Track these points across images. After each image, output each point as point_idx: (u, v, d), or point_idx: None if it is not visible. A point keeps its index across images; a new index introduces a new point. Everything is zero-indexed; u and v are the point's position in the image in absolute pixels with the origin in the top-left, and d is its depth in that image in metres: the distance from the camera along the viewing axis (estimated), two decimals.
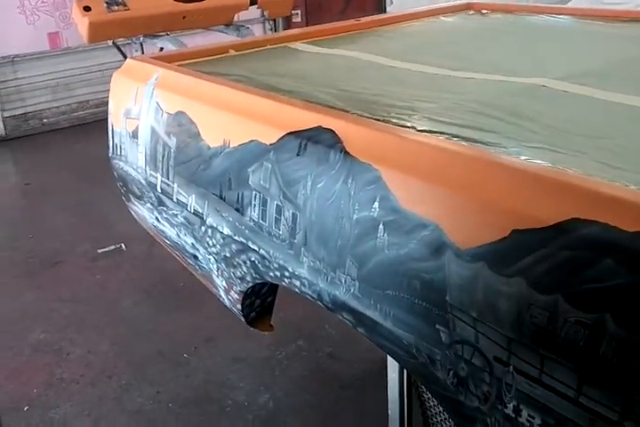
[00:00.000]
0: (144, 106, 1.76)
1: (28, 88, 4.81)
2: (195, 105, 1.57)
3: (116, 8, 3.49)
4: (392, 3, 5.94)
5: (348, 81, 1.58)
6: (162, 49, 3.78)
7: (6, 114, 4.78)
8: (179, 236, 1.74)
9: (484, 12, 2.49)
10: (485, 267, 0.86)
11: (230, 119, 1.44)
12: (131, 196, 1.98)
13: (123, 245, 3.10)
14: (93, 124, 4.94)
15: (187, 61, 1.94)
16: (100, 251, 3.08)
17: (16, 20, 4.59)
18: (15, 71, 4.73)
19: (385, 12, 5.97)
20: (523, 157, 1.00)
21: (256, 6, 3.74)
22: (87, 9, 3.41)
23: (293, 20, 4.80)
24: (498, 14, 2.46)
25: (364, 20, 2.27)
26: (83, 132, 4.88)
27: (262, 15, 4.93)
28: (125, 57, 4.07)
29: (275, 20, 5.07)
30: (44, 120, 4.94)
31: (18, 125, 4.85)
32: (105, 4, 3.46)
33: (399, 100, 1.36)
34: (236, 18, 4.00)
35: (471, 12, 2.52)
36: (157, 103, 1.71)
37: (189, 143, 1.56)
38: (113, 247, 3.10)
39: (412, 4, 5.83)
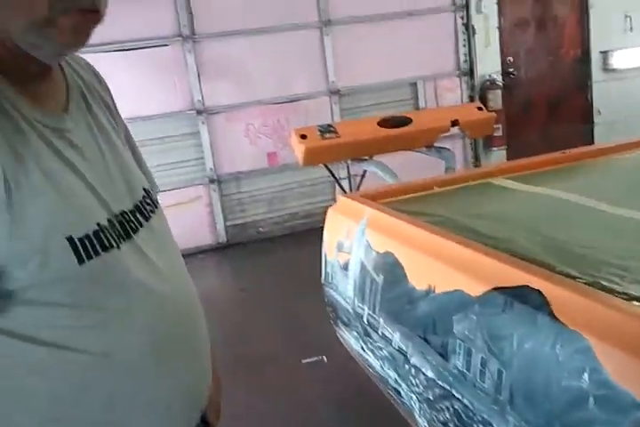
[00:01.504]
0: (355, 242, 1.93)
1: (248, 200, 5.38)
2: (401, 247, 1.69)
3: (328, 135, 3.86)
4: (600, 113, 5.82)
5: (554, 227, 1.61)
6: (365, 172, 4.08)
7: (228, 223, 5.35)
8: (382, 368, 1.82)
9: None
10: None
11: (435, 265, 1.53)
12: (339, 322, 2.12)
13: (324, 358, 3.25)
14: (302, 234, 5.34)
15: (393, 198, 2.10)
16: (303, 361, 3.26)
17: (241, 142, 5.23)
18: (238, 186, 5.33)
19: (592, 123, 5.86)
20: None
21: (457, 128, 3.91)
22: (304, 137, 3.81)
23: (494, 135, 4.90)
24: None
25: (570, 151, 2.29)
26: (293, 241, 5.30)
27: (470, 141, 5.13)
28: (335, 176, 4.45)
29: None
30: (260, 229, 5.45)
31: (237, 234, 5.39)
32: (318, 132, 3.85)
33: (611, 256, 1.35)
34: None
35: None
36: (367, 242, 1.86)
37: (396, 283, 1.67)
38: (315, 359, 3.26)
39: (623, 112, 5.71)
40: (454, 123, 3.89)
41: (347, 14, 5.07)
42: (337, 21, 5.07)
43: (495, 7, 5.36)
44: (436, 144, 3.98)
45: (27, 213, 0.72)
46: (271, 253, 5.17)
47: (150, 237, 0.89)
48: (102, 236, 0.79)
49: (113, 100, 1.01)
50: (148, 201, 0.93)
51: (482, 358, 1.31)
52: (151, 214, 0.92)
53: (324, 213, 5.98)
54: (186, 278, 0.97)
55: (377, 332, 1.79)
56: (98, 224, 0.79)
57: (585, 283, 1.23)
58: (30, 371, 0.75)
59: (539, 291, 1.20)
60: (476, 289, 1.35)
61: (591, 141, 5.85)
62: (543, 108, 5.72)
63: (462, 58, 5.44)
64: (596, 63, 5.73)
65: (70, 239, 0.75)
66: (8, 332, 0.73)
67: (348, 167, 4.90)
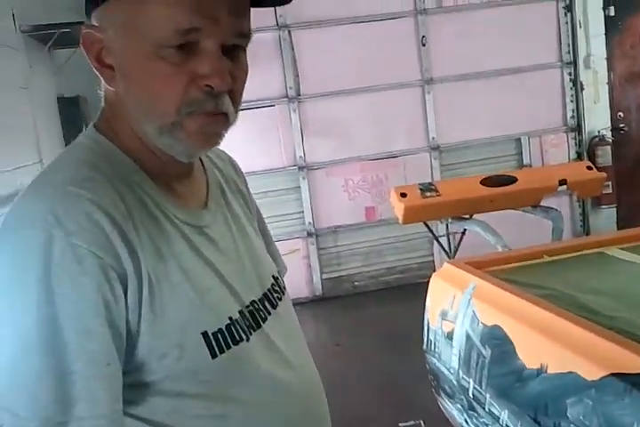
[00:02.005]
0: (460, 312, 1.90)
1: (345, 254, 5.42)
2: (511, 322, 1.65)
3: (428, 194, 3.86)
4: None
5: None
6: (465, 230, 4.03)
7: (324, 276, 5.40)
8: None
9: None
10: None
11: (548, 344, 1.48)
12: (441, 391, 2.07)
13: (422, 423, 3.16)
14: (397, 289, 5.30)
15: (500, 267, 2.06)
16: (401, 425, 3.18)
17: (340, 197, 5.32)
18: (335, 240, 5.39)
19: None
20: None
21: (565, 187, 3.80)
22: (404, 195, 3.82)
23: (603, 192, 4.71)
24: None
25: None
26: (388, 296, 5.26)
27: (577, 199, 4.97)
28: (434, 234, 4.42)
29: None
30: (355, 283, 5.45)
31: (333, 287, 5.42)
32: (419, 191, 3.85)
33: None
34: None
35: None
36: (474, 312, 1.83)
37: (505, 358, 1.63)
38: (412, 423, 3.18)
39: None
40: (562, 182, 3.79)
41: (449, 73, 5.12)
42: (439, 79, 5.13)
43: (604, 62, 5.25)
44: (542, 203, 3.88)
45: (167, 312, 0.77)
46: (366, 308, 5.14)
47: (278, 324, 0.93)
48: (233, 329, 0.83)
49: (248, 189, 1.07)
50: (276, 288, 0.97)
51: None
52: (278, 302, 0.96)
53: (420, 268, 5.93)
54: (310, 363, 0.99)
55: (483, 407, 1.73)
56: (230, 318, 0.83)
57: None
58: None
59: None
60: (591, 373, 1.29)
61: None
62: None
63: (570, 113, 5.33)
64: None
65: (205, 334, 0.79)
66: (144, 419, 0.78)
67: (447, 225, 4.86)
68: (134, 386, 0.77)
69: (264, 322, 0.89)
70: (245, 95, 0.89)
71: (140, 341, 0.76)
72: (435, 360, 2.07)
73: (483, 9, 5.12)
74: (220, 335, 0.81)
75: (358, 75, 5.00)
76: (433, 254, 5.25)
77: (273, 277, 0.98)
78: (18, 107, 3.73)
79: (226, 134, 0.86)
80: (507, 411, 1.60)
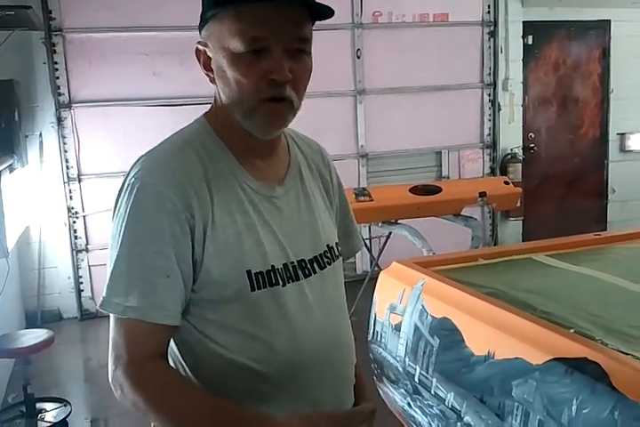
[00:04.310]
0: (410, 306, 2.11)
1: None
2: (460, 314, 1.87)
3: (362, 198, 4.09)
4: (614, 191, 6.11)
5: (597, 305, 1.80)
6: (390, 233, 4.29)
7: None
8: (430, 425, 1.97)
9: None
10: None
11: (495, 333, 1.71)
12: (384, 378, 2.28)
13: None
14: None
15: (443, 267, 2.30)
16: None
17: None
18: None
19: (607, 199, 6.13)
20: None
21: (484, 199, 4.15)
22: None
23: None
24: None
25: (603, 234, 2.51)
26: None
27: (489, 209, 5.38)
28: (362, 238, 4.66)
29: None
30: None
31: None
32: (353, 195, 4.08)
33: None
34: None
35: None
36: (423, 306, 2.04)
37: (453, 347, 1.85)
38: None
39: (636, 191, 5.99)
40: (482, 194, 4.14)
41: (380, 85, 5.40)
42: (370, 91, 5.39)
43: (521, 86, 5.72)
44: (462, 213, 4.21)
45: (225, 249, 1.06)
46: None
47: (319, 282, 1.16)
48: (272, 275, 1.09)
49: (334, 177, 1.31)
50: (328, 255, 1.19)
51: (539, 420, 1.48)
52: (327, 265, 1.18)
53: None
54: (336, 322, 1.19)
55: (429, 391, 1.95)
56: (272, 266, 1.09)
57: (637, 358, 1.42)
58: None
59: (597, 363, 1.38)
60: (536, 358, 1.52)
61: (604, 217, 6.11)
62: (560, 183, 6.01)
63: (486, 131, 5.75)
64: (613, 144, 6.07)
65: (249, 272, 1.07)
66: (193, 325, 1.09)
67: (369, 228, 5.12)
68: (195, 301, 1.06)
69: (306, 278, 1.13)
70: None
71: (203, 267, 1.05)
72: (380, 350, 2.27)
73: (415, 28, 5.45)
74: (259, 276, 1.07)
75: None
76: (355, 256, 5.48)
77: (327, 245, 1.20)
78: None
79: (293, 118, 1.10)
80: (453, 393, 1.82)
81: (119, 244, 1.03)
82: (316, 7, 1.04)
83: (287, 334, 1.09)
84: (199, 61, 1.11)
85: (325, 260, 1.18)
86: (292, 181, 1.19)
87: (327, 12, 1.06)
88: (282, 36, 1.03)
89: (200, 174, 1.07)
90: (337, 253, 1.22)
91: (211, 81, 1.11)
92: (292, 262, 1.12)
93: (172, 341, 1.10)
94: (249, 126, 1.09)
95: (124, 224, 1.03)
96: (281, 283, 1.09)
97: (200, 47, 1.10)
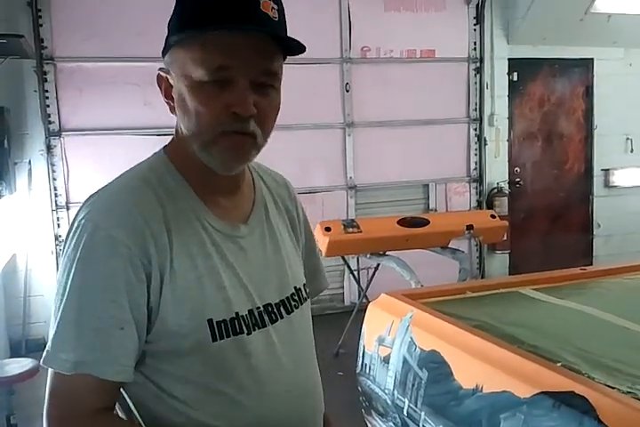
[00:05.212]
0: (398, 338, 2.12)
1: None
2: (448, 347, 1.88)
3: (350, 230, 4.12)
4: (599, 226, 6.20)
5: (584, 339, 1.82)
6: (378, 265, 4.31)
7: None
8: None
9: None
10: None
11: (483, 367, 1.72)
12: (372, 411, 2.27)
13: None
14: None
15: (431, 299, 2.32)
16: None
17: None
18: None
19: (592, 234, 6.21)
20: None
21: (472, 232, 4.18)
22: (328, 229, 4.06)
23: None
24: None
25: (589, 269, 2.54)
26: None
27: (476, 242, 5.41)
28: (349, 268, 4.69)
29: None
30: None
31: None
32: (342, 226, 4.10)
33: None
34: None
35: None
36: (411, 338, 2.05)
37: (441, 380, 1.85)
38: None
39: (621, 226, 6.08)
40: (469, 227, 4.17)
41: (369, 118, 5.48)
42: (359, 124, 5.47)
43: (506, 121, 5.82)
44: (450, 245, 4.24)
45: (183, 297, 0.97)
46: None
47: (287, 328, 1.07)
48: (236, 323, 1.00)
49: (300, 212, 1.24)
50: (296, 298, 1.11)
51: None
52: (294, 309, 1.10)
53: (332, 300, 6.11)
54: (308, 371, 1.11)
55: (417, 424, 1.94)
56: (236, 313, 1.00)
57: (623, 393, 1.43)
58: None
59: (584, 397, 1.39)
60: (523, 391, 1.54)
61: (590, 252, 6.17)
62: (546, 217, 6.08)
63: (473, 165, 5.83)
64: (597, 179, 6.17)
65: (210, 321, 0.98)
66: (147, 377, 0.99)
67: (357, 260, 5.13)
68: (151, 353, 0.97)
69: (272, 323, 1.04)
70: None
71: (159, 316, 0.96)
72: (369, 382, 2.27)
73: (403, 63, 5.56)
74: (222, 325, 0.98)
75: (286, 112, 5.22)
76: (344, 287, 5.49)
77: (295, 287, 1.12)
78: None
79: (256, 154, 1.04)
80: (442, 426, 1.82)
81: (67, 291, 0.93)
82: (285, 41, 0.98)
83: (254, 388, 1.00)
84: (160, 89, 1.05)
85: (293, 303, 1.10)
86: (258, 220, 1.11)
87: (298, 48, 1.00)
88: (249, 68, 0.96)
89: (158, 215, 0.98)
90: (304, 296, 1.14)
91: (170, 110, 1.04)
92: (258, 308, 1.04)
93: (125, 396, 1.00)
94: (207, 161, 1.01)
95: (72, 270, 0.93)
96: (246, 331, 1.00)
97: (162, 74, 1.04)
